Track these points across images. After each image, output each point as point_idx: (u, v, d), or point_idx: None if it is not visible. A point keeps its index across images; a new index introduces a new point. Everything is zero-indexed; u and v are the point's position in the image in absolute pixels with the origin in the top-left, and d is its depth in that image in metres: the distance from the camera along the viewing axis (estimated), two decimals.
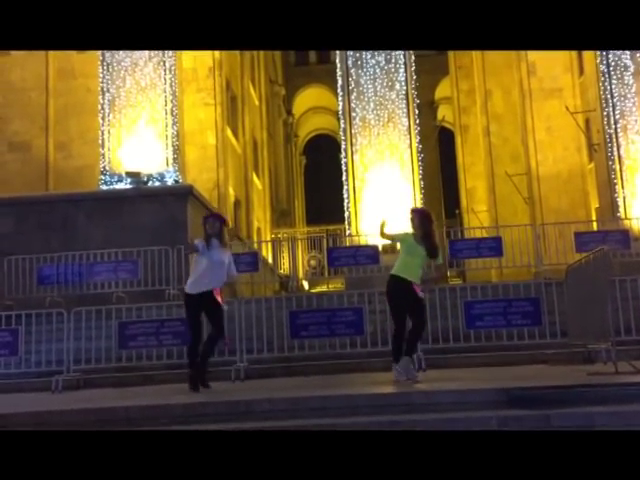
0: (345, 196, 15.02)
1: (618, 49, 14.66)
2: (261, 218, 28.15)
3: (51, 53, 18.90)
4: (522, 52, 20.94)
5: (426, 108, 32.31)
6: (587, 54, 18.14)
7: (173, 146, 15.27)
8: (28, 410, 6.52)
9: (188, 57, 18.42)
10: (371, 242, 13.71)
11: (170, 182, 15.04)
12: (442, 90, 35.62)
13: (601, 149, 16.77)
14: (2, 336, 9.04)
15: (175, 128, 15.39)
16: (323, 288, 19.96)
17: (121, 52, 15.14)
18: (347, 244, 14.81)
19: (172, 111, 15.32)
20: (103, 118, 15.32)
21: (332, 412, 5.56)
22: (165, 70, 15.26)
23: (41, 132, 18.85)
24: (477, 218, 24.52)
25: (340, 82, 15.52)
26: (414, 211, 7.56)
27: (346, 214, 14.97)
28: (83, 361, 9.07)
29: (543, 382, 6.26)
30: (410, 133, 14.99)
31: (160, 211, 14.02)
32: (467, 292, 9.61)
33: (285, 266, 20.50)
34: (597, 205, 18.90)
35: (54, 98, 19.06)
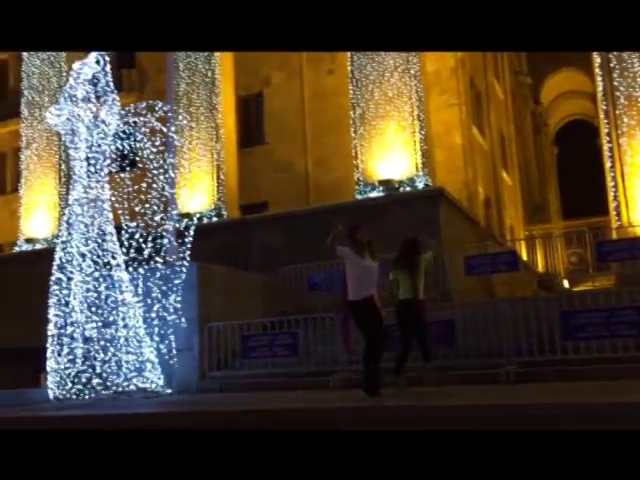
0: (612, 185, 13.68)
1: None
2: (513, 216, 27.08)
3: (305, 80, 20.54)
4: None
5: None
6: None
7: (421, 150, 15.50)
8: (302, 407, 6.96)
9: (430, 60, 18.55)
10: None
11: (420, 186, 15.27)
12: None
13: None
14: (284, 339, 10.07)
15: (422, 133, 15.61)
16: (588, 286, 18.44)
17: (368, 66, 15.85)
18: (614, 237, 13.48)
19: (419, 116, 15.57)
20: (355, 132, 16.19)
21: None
22: (410, 77, 15.58)
23: (301, 151, 20.58)
24: None
25: (599, 61, 14.22)
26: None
27: (614, 204, 13.62)
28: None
29: None
30: None
31: (412, 215, 14.31)
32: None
33: (540, 264, 19.40)
34: None
35: (310, 119, 20.68)
